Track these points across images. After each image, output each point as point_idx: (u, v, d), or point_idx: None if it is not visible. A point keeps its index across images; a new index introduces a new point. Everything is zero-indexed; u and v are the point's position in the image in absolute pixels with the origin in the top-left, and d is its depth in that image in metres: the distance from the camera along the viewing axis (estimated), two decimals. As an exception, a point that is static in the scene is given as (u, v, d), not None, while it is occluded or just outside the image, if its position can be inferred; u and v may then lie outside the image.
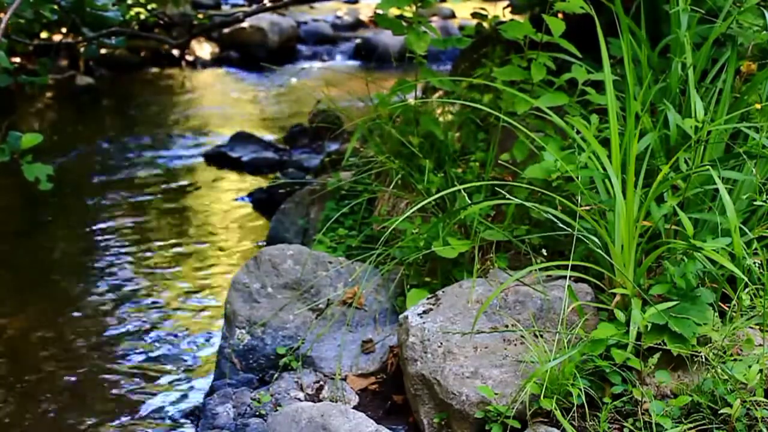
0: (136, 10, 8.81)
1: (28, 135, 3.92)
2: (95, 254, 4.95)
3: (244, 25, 9.96)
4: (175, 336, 4.02)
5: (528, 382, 2.47)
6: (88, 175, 6.33)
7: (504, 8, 5.10)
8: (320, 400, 2.99)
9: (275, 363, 3.20)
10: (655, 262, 2.77)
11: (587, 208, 2.83)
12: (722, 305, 2.70)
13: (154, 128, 7.56)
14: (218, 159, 6.58)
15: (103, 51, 8.66)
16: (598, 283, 2.82)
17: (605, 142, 2.97)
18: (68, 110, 8.23)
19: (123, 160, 6.65)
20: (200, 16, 9.88)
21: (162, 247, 5.03)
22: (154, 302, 4.35)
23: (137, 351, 3.88)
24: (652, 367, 2.54)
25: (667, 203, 2.81)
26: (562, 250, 3.08)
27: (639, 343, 2.57)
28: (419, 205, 2.86)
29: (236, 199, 5.80)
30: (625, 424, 2.50)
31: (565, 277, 2.69)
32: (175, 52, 9.90)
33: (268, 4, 9.07)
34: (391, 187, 3.69)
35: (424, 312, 2.90)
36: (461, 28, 6.03)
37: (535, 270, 2.81)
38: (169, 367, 3.74)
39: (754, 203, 2.81)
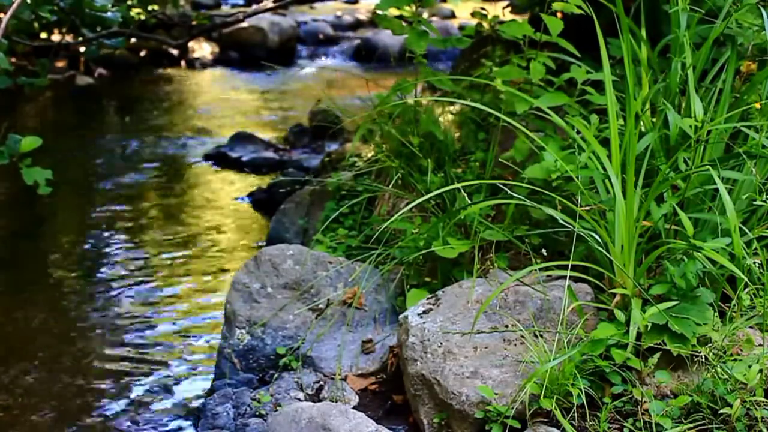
0: (136, 10, 8.81)
1: (27, 138, 3.92)
2: (94, 254, 4.95)
3: (244, 25, 9.96)
4: (175, 336, 4.01)
5: (528, 382, 2.47)
6: (88, 175, 6.33)
7: (504, 8, 5.11)
8: (320, 400, 2.99)
9: (275, 363, 3.20)
10: (655, 262, 2.77)
11: (587, 208, 2.83)
12: (722, 305, 2.71)
13: (154, 128, 7.56)
14: (218, 159, 6.58)
15: (103, 51, 8.66)
16: (598, 283, 2.82)
17: (605, 142, 2.97)
18: (68, 110, 8.23)
19: (123, 160, 6.65)
20: (200, 16, 9.88)
21: (162, 246, 5.03)
22: (153, 302, 4.35)
23: (137, 351, 3.87)
24: (652, 367, 2.54)
25: (667, 203, 2.81)
26: (562, 250, 3.09)
27: (639, 343, 2.57)
28: (416, 202, 2.86)
29: (236, 199, 5.80)
30: (625, 424, 2.50)
31: (565, 277, 2.69)
32: (175, 52, 9.90)
33: (269, 5, 9.07)
34: (391, 186, 3.69)
35: (424, 312, 2.90)
36: (461, 28, 6.04)
37: (535, 270, 2.81)
38: (169, 367, 3.74)
39: (754, 203, 2.81)
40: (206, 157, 6.66)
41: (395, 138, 3.83)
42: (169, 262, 4.82)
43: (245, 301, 3.33)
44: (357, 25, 11.66)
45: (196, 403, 3.40)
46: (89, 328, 4.08)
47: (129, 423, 3.34)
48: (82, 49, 7.95)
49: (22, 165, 3.96)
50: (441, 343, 2.74)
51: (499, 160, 3.46)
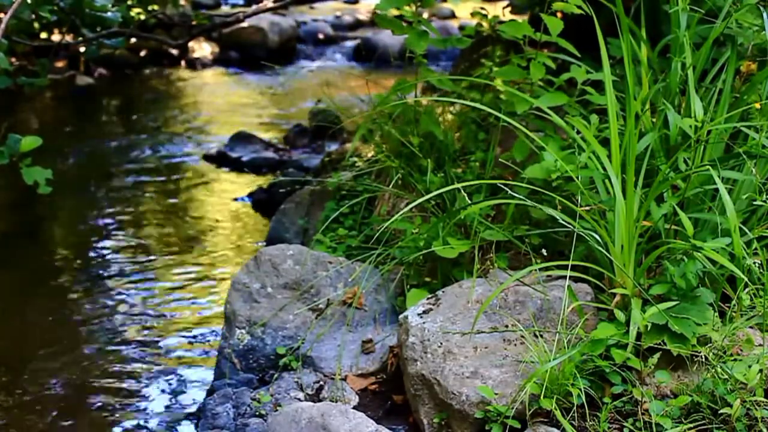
0: (136, 10, 8.81)
1: (27, 138, 3.93)
2: (94, 254, 4.95)
3: (244, 25, 9.96)
4: (175, 336, 4.01)
5: (528, 382, 2.47)
6: (88, 175, 6.33)
7: (504, 8, 5.11)
8: (320, 400, 2.99)
9: (275, 363, 3.20)
10: (655, 262, 2.77)
11: (587, 208, 2.83)
12: (722, 305, 2.71)
13: (154, 128, 7.56)
14: (218, 159, 6.58)
15: (103, 51, 8.66)
16: (598, 283, 2.82)
17: (605, 142, 2.97)
18: (68, 110, 8.23)
19: (123, 160, 6.65)
20: (200, 16, 9.88)
21: (161, 246, 5.03)
22: (153, 302, 4.35)
23: (137, 351, 3.87)
24: (652, 367, 2.54)
25: (667, 203, 2.81)
26: (562, 250, 3.09)
27: (639, 343, 2.57)
28: (416, 202, 2.86)
29: (236, 199, 5.80)
30: (625, 424, 2.50)
31: (565, 277, 2.69)
32: (175, 52, 9.90)
33: (269, 5, 9.07)
34: (391, 186, 3.69)
35: (424, 312, 2.90)
36: (461, 28, 6.03)
37: (535, 270, 2.81)
38: (169, 367, 3.74)
39: (754, 203, 2.81)
40: (206, 157, 6.66)
41: (395, 138, 3.83)
42: (168, 261, 4.82)
43: (245, 301, 3.33)
44: (357, 25, 11.66)
45: (196, 403, 3.41)
46: (88, 328, 4.08)
47: (129, 423, 3.34)
48: (82, 49, 7.95)
49: (22, 165, 3.97)
50: (441, 343, 2.74)
51: (499, 160, 3.46)
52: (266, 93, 8.92)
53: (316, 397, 3.03)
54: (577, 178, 2.93)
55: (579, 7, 3.25)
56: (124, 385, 3.60)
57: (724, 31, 3.19)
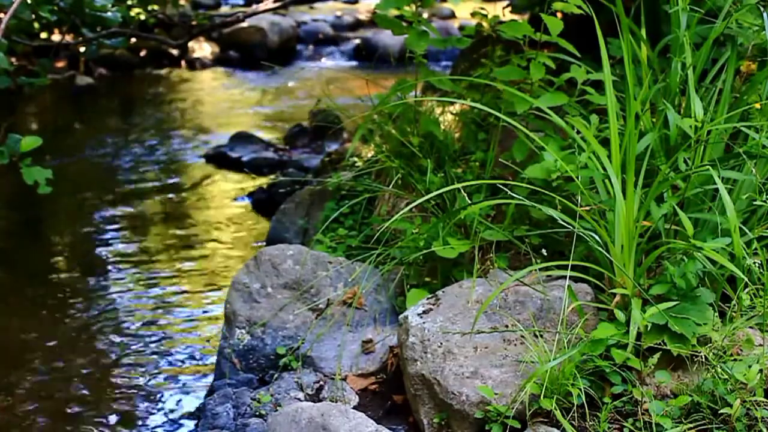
0: (136, 10, 8.81)
1: (27, 138, 3.93)
2: (94, 254, 4.95)
3: (244, 25, 9.97)
4: (175, 336, 4.02)
5: (528, 382, 2.47)
6: (88, 175, 6.33)
7: (504, 8, 5.11)
8: (320, 400, 2.99)
9: (275, 363, 3.20)
10: (655, 262, 2.77)
11: (587, 208, 2.83)
12: (722, 305, 2.71)
13: (153, 128, 7.56)
14: (218, 159, 6.58)
15: (103, 51, 8.66)
16: (598, 283, 2.82)
17: (605, 142, 2.97)
18: (68, 110, 8.23)
19: (123, 160, 6.65)
20: (200, 16, 9.88)
21: (161, 246, 5.03)
22: (153, 302, 4.35)
23: (136, 351, 3.88)
24: (652, 367, 2.54)
25: (667, 203, 2.81)
26: (562, 250, 3.09)
27: (639, 343, 2.57)
28: (416, 202, 2.86)
29: (236, 199, 5.80)
30: (625, 424, 2.50)
31: (565, 277, 2.69)
32: (175, 52, 9.90)
33: (269, 5, 9.07)
34: (391, 186, 3.69)
35: (424, 312, 2.90)
36: (461, 28, 6.04)
37: (535, 270, 2.81)
38: (168, 367, 3.74)
39: (754, 203, 2.81)
40: (206, 157, 6.66)
41: (395, 138, 3.83)
42: (168, 262, 4.82)
43: (245, 301, 3.33)
44: (357, 25, 11.66)
45: (196, 403, 3.41)
46: (88, 328, 4.08)
47: (129, 422, 3.34)
48: (82, 49, 7.96)
49: (22, 165, 3.97)
50: (441, 343, 2.74)
51: (499, 160, 3.46)
52: (266, 93, 8.92)
53: (316, 397, 3.03)
54: (577, 178, 2.93)
55: (579, 7, 3.25)
56: (123, 385, 3.60)
57: (724, 31, 3.19)
